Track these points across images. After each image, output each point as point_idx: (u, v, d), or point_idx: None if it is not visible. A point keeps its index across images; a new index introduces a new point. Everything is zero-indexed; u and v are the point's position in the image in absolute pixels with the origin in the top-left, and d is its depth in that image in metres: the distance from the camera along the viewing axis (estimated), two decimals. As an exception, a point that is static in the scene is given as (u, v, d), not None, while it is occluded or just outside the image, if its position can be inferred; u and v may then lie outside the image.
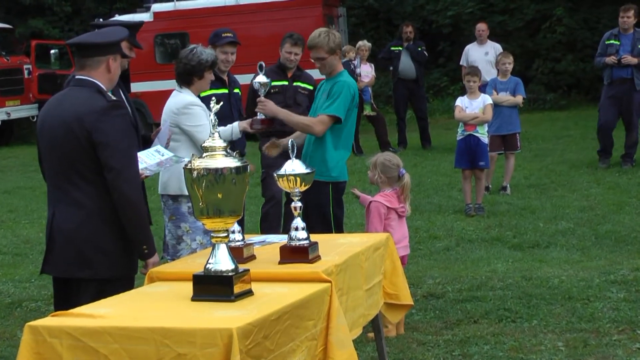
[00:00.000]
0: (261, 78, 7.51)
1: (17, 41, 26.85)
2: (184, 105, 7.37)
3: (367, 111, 18.72)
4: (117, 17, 21.46)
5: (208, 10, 22.48)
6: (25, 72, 25.60)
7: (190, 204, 7.20)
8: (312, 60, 7.75)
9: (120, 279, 5.57)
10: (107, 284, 5.43)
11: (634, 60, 14.66)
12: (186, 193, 7.22)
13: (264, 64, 7.56)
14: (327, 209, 7.58)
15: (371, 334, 6.89)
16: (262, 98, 7.58)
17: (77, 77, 5.63)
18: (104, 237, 5.50)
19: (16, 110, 25.30)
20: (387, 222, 7.53)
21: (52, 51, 25.98)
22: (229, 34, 9.00)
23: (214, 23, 20.21)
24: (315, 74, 10.31)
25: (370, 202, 7.56)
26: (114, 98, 5.62)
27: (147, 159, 6.55)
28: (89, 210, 5.46)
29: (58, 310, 4.88)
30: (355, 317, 5.23)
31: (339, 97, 7.54)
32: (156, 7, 23.20)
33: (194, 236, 7.30)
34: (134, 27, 7.25)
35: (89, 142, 5.37)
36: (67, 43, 5.93)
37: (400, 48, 19.19)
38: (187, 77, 7.45)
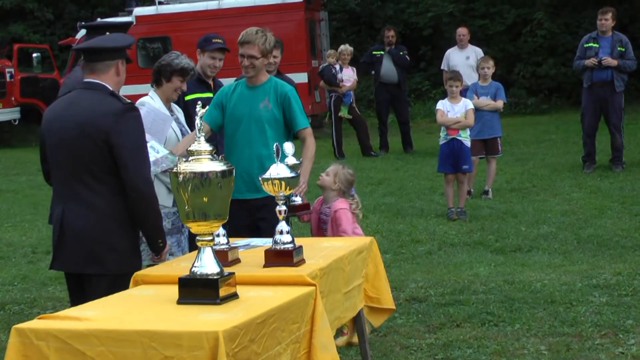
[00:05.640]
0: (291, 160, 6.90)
1: (-2, 44, 26.82)
2: None
3: (343, 113, 18.76)
4: (103, 20, 21.41)
5: (190, 14, 22.49)
6: (7, 75, 25.50)
7: None
8: (241, 57, 7.22)
9: (129, 275, 5.66)
10: (118, 279, 5.53)
11: (614, 62, 14.67)
12: None
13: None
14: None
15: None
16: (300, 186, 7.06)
17: (86, 80, 5.79)
18: (116, 236, 5.66)
19: (-2, 114, 25.25)
20: (354, 224, 7.35)
21: (34, 55, 25.90)
22: (218, 40, 9.00)
23: (196, 27, 20.27)
24: (295, 77, 10.34)
25: (336, 210, 7.23)
26: (129, 101, 5.78)
27: None
28: (101, 210, 5.62)
29: (75, 305, 4.94)
30: (330, 319, 5.25)
31: (300, 106, 7.40)
32: (138, 10, 23.20)
33: None
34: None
35: (105, 143, 5.53)
36: (76, 48, 6.07)
37: (382, 52, 19.22)
38: (156, 76, 7.46)
